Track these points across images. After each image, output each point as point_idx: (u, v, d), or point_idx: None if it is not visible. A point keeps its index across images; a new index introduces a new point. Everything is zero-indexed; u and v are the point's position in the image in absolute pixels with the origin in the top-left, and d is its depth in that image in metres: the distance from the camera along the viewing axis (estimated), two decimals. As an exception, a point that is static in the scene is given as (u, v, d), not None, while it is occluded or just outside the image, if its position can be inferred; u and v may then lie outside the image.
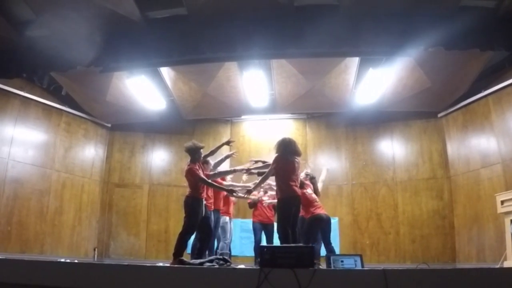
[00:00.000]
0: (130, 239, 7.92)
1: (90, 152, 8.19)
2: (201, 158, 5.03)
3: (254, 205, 6.00)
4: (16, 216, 7.17)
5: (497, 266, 5.16)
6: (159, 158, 8.88)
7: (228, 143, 5.55)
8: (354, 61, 6.81)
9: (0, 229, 6.92)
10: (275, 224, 5.74)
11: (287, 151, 4.52)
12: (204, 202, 5.13)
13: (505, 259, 5.20)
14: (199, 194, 4.74)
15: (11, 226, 7.11)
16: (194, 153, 4.92)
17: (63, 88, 8.05)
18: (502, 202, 5.32)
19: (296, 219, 4.59)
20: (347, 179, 7.95)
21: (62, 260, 6.02)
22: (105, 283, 3.39)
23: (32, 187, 7.52)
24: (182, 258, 4.65)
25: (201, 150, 4.98)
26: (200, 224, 4.77)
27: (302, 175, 5.61)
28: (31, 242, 7.39)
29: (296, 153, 4.56)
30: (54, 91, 8.15)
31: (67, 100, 8.24)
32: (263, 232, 6.39)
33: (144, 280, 3.33)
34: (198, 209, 4.68)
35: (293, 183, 4.45)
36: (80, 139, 8.55)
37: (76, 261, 5.51)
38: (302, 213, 5.00)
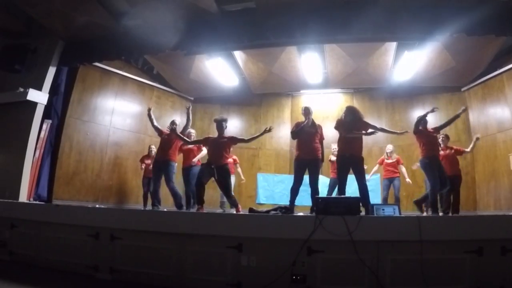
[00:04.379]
0: (208, 192, 8.21)
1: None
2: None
3: None
4: (116, 173, 8.44)
5: (511, 213, 5.87)
6: (233, 125, 9.74)
7: (269, 130, 5.70)
8: (392, 45, 7.58)
9: (104, 184, 8.15)
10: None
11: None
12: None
13: (517, 207, 6.10)
14: None
15: (112, 181, 8.36)
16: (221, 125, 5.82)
17: (155, 68, 9.27)
18: (515, 160, 5.98)
19: None
20: (387, 142, 8.43)
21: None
22: (192, 227, 3.99)
23: (129, 149, 8.78)
24: (252, 207, 5.46)
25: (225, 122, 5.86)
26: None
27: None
28: (128, 194, 8.67)
29: None
30: (147, 71, 9.45)
31: (158, 78, 9.53)
32: None
33: (225, 223, 3.95)
34: None
35: None
36: (168, 110, 9.80)
37: (165, 209, 6.08)
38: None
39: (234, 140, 5.92)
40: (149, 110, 6.82)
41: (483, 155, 8.29)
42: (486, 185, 8.07)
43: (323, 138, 5.69)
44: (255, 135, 5.96)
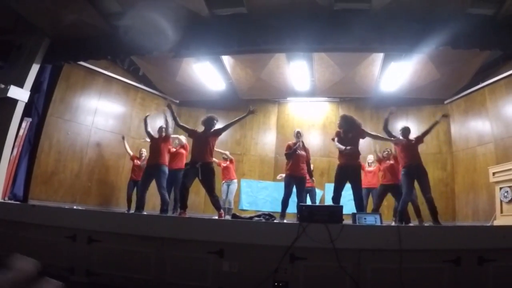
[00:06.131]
0: (191, 196, 8.14)
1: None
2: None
3: None
4: (96, 174, 8.32)
5: (488, 224, 5.99)
6: (219, 130, 9.52)
7: (253, 112, 5.82)
8: (379, 56, 7.68)
9: (82, 184, 8.02)
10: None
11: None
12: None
13: (495, 219, 6.06)
14: None
15: (92, 183, 8.23)
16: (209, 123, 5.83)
17: (141, 69, 9.27)
18: (494, 173, 6.20)
19: None
20: (371, 152, 8.04)
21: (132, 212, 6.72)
22: (172, 231, 3.99)
23: (111, 151, 8.68)
24: (234, 212, 5.59)
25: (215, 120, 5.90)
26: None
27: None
28: (107, 196, 8.57)
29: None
30: (133, 72, 9.38)
31: (143, 79, 9.48)
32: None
33: (207, 228, 3.96)
34: None
35: None
36: (153, 112, 9.05)
37: (145, 213, 6.08)
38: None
39: (218, 131, 5.90)
40: (146, 117, 7.01)
41: (463, 167, 8.51)
42: (465, 196, 8.26)
43: (309, 159, 6.38)
44: (239, 117, 5.99)
